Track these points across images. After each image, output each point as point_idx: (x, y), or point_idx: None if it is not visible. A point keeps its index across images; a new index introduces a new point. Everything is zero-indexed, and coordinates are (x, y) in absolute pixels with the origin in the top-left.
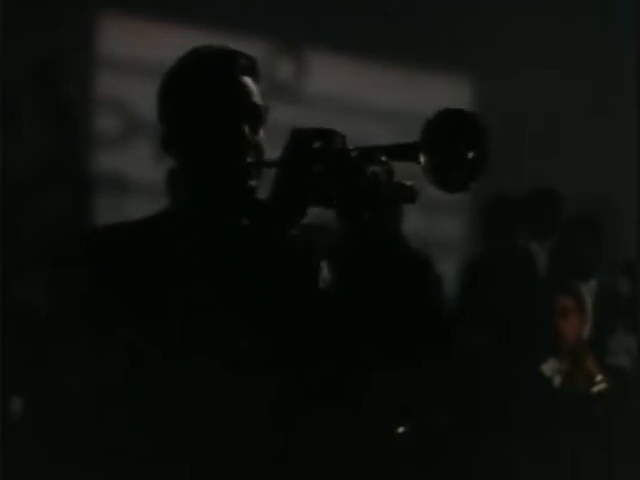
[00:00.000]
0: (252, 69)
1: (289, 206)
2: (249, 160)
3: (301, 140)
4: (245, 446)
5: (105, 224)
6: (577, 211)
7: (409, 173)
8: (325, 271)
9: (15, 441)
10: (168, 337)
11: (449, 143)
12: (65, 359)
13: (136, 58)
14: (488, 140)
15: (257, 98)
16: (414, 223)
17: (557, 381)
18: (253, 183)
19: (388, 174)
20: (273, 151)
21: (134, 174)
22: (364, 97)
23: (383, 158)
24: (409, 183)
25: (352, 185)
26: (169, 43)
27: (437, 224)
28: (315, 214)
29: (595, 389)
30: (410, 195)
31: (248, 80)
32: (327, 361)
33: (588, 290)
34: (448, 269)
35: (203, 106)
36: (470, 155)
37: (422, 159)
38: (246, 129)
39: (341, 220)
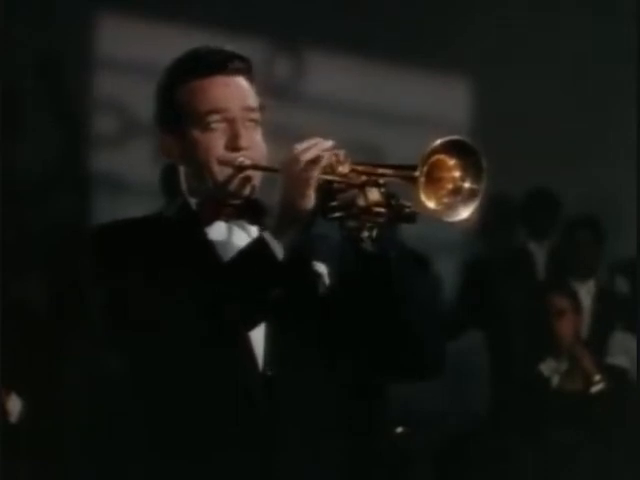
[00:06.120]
0: (246, 70)
1: (291, 226)
2: (247, 163)
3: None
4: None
5: (107, 221)
6: (577, 211)
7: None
8: (325, 277)
9: (15, 441)
10: (166, 342)
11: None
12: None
13: (136, 58)
14: (486, 176)
15: (251, 100)
16: (412, 223)
17: (555, 381)
18: (252, 185)
19: (387, 195)
20: (272, 151)
21: (133, 174)
22: (362, 97)
23: (381, 180)
24: (408, 204)
25: (355, 204)
26: (168, 43)
27: (435, 224)
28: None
29: (593, 389)
30: (409, 215)
31: (242, 80)
32: (328, 366)
33: (587, 290)
34: (446, 269)
35: (196, 106)
36: (467, 185)
37: (419, 184)
38: (240, 129)
39: (343, 232)
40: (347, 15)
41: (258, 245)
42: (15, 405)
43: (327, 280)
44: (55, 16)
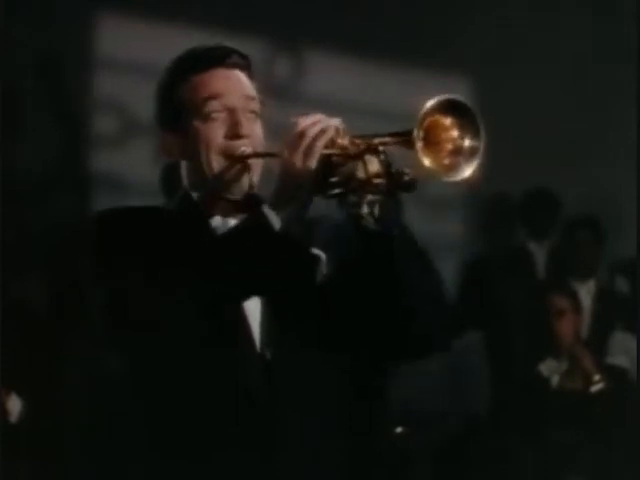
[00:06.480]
0: (245, 65)
1: (291, 200)
2: (248, 151)
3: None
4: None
5: (108, 209)
6: (577, 211)
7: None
8: (323, 264)
9: (15, 441)
10: (166, 339)
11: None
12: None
13: (136, 58)
14: (483, 131)
15: (251, 91)
16: (412, 223)
17: (555, 381)
18: (251, 175)
19: (387, 163)
20: (272, 150)
21: (133, 174)
22: (362, 97)
23: (381, 148)
24: (407, 171)
25: (355, 177)
26: (168, 43)
27: (435, 224)
28: (314, 205)
29: (593, 389)
30: (409, 184)
31: (241, 74)
32: (325, 354)
33: (587, 290)
34: (446, 268)
35: (196, 99)
36: (467, 143)
37: (417, 146)
38: (241, 118)
39: (343, 211)
40: (347, 15)
41: (256, 217)
42: (15, 405)
43: (325, 265)
44: (55, 16)
